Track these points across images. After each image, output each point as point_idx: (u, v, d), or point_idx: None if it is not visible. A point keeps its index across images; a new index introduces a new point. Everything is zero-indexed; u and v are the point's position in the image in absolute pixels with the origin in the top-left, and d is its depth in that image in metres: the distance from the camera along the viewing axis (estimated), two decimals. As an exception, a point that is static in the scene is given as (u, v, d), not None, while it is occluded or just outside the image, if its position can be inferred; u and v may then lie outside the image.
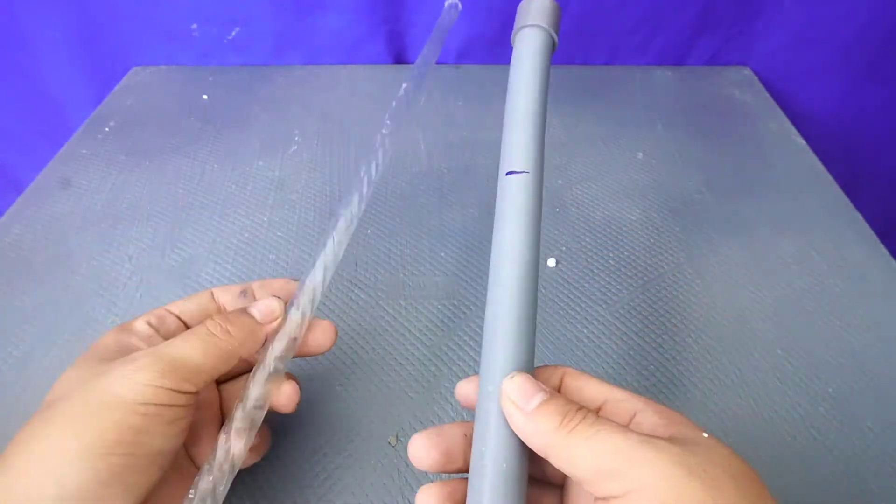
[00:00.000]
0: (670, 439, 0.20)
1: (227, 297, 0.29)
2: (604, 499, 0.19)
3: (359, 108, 0.59)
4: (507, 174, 0.27)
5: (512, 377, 0.22)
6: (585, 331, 0.39)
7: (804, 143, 0.55)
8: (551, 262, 0.43)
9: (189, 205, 0.47)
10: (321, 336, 0.28)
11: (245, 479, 0.31)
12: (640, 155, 0.54)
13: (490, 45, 0.64)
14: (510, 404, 0.22)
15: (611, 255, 0.44)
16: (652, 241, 0.45)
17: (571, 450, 0.20)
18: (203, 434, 0.28)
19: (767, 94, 0.62)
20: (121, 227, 0.45)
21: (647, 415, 0.22)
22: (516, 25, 0.32)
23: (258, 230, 0.45)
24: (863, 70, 0.65)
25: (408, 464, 0.32)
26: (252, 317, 0.26)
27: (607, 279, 0.42)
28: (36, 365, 0.36)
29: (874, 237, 0.46)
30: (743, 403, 0.35)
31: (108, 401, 0.22)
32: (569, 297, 0.41)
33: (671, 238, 0.45)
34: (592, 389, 0.24)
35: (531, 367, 0.24)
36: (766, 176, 0.52)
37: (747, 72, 0.65)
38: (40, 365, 0.36)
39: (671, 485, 0.18)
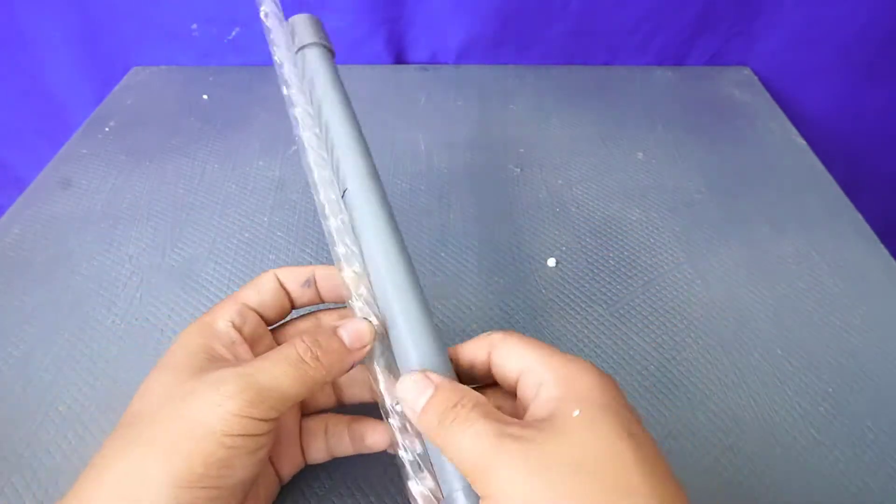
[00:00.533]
0: (532, 428, 0.20)
1: (293, 286, 0.28)
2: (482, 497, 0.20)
3: (358, 108, 0.59)
4: (342, 197, 0.28)
5: (403, 381, 0.23)
6: (585, 331, 0.39)
7: (804, 143, 0.55)
8: (551, 262, 0.43)
9: (189, 205, 0.47)
10: None
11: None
12: (640, 155, 0.54)
13: (490, 45, 0.64)
14: (405, 407, 0.23)
15: (611, 254, 0.44)
16: (652, 240, 0.45)
17: (450, 446, 0.21)
18: (281, 433, 0.27)
19: (767, 95, 0.62)
20: (121, 227, 0.45)
21: (547, 388, 0.22)
22: (294, 47, 0.32)
23: (258, 230, 0.45)
24: (863, 70, 0.65)
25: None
26: (342, 342, 0.25)
27: (607, 279, 0.42)
28: (36, 365, 0.36)
29: (874, 237, 0.46)
30: (743, 403, 0.35)
31: (197, 431, 0.21)
32: (569, 296, 0.41)
33: (671, 238, 0.45)
34: (514, 361, 0.24)
35: (441, 355, 0.24)
36: (766, 176, 0.52)
37: (747, 72, 0.65)
38: (40, 365, 0.36)
39: (516, 487, 0.19)
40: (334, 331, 0.25)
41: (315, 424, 0.28)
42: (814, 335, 0.39)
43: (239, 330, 0.26)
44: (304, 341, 0.24)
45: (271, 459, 0.27)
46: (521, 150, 0.54)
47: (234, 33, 0.62)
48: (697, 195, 0.50)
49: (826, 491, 0.31)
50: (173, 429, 0.21)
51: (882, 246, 0.45)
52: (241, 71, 0.64)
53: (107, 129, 0.56)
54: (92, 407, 0.34)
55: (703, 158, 0.53)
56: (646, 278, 0.42)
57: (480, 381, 0.26)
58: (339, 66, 0.69)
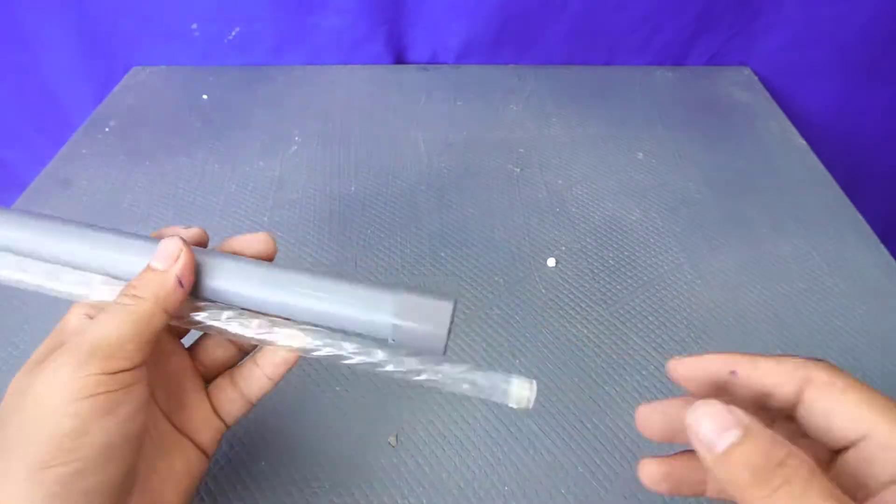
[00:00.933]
0: None
1: None
2: None
3: (359, 108, 0.59)
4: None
5: (696, 407, 0.18)
6: (585, 330, 0.39)
7: (804, 143, 0.55)
8: (551, 262, 0.43)
9: (189, 205, 0.47)
10: (259, 246, 0.27)
11: (244, 479, 0.31)
12: (641, 155, 0.54)
13: (490, 45, 0.64)
14: (694, 437, 0.18)
15: (611, 255, 0.44)
16: (652, 241, 0.45)
17: None
18: (186, 400, 0.27)
19: (767, 94, 0.62)
20: (121, 227, 0.45)
21: None
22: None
23: (258, 230, 0.45)
24: (863, 70, 0.65)
25: (408, 464, 0.32)
26: (153, 269, 0.24)
27: (607, 279, 0.42)
28: (36, 365, 0.36)
29: (874, 237, 0.46)
30: (743, 403, 0.35)
31: (39, 412, 0.21)
32: (569, 296, 0.41)
33: (671, 238, 0.45)
34: (845, 417, 0.18)
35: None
36: (766, 176, 0.52)
37: (747, 72, 0.65)
38: (40, 365, 0.36)
39: None
40: (148, 265, 0.24)
41: (221, 380, 0.28)
42: (814, 335, 0.39)
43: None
44: (123, 290, 0.24)
45: (184, 430, 0.26)
46: (521, 150, 0.54)
47: (233, 33, 0.63)
48: (697, 195, 0.50)
49: (826, 491, 0.31)
50: (18, 419, 0.21)
51: (882, 246, 0.45)
52: (241, 71, 0.64)
53: (107, 129, 0.56)
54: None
55: (703, 158, 0.53)
56: (645, 278, 0.42)
57: (762, 407, 0.21)
58: (338, 67, 0.69)
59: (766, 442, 0.17)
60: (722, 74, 0.65)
